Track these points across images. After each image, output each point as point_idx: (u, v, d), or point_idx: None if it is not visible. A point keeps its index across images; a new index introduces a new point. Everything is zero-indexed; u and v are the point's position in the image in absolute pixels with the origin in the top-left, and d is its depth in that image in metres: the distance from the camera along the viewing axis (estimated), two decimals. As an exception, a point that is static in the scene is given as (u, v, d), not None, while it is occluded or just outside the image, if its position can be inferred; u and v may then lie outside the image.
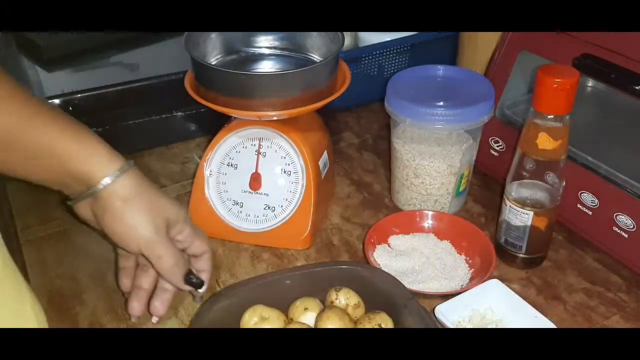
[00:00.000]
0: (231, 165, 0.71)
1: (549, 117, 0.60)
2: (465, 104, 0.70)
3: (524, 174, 0.64)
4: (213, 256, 0.63)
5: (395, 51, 0.96)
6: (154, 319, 0.61)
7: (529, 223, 0.64)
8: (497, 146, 0.78)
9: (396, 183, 0.77)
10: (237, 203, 0.71)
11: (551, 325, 0.58)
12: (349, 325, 0.54)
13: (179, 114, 0.88)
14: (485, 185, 0.82)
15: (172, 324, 0.62)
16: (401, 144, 0.74)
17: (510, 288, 0.62)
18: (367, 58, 0.95)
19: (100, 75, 0.94)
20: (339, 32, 0.69)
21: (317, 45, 0.73)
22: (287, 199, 0.70)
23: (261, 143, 0.70)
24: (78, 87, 0.82)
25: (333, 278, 0.59)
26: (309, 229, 0.70)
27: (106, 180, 0.52)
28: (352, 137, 0.94)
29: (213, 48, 0.73)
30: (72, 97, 0.81)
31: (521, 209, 0.64)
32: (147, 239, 0.54)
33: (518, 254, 0.67)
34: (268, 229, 0.70)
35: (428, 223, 0.73)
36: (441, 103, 0.70)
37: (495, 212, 0.74)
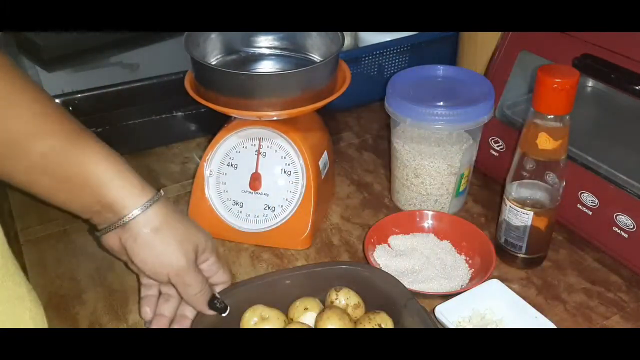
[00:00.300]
0: (231, 165, 0.71)
1: (549, 117, 0.60)
2: (465, 104, 0.70)
3: (524, 174, 0.63)
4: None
5: (395, 51, 0.96)
6: None
7: (529, 223, 0.64)
8: (497, 146, 0.78)
9: (396, 183, 0.77)
10: (237, 203, 0.71)
11: (551, 325, 0.58)
12: (349, 325, 0.54)
13: (179, 114, 0.88)
14: (485, 185, 0.82)
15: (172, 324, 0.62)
16: (401, 144, 0.74)
17: (510, 288, 0.62)
18: (367, 58, 0.95)
19: (100, 75, 0.94)
20: (339, 32, 0.69)
21: (317, 45, 0.73)
22: (287, 199, 0.70)
23: (261, 143, 0.70)
24: (78, 87, 0.82)
25: (333, 278, 0.59)
26: (309, 229, 0.70)
27: (138, 210, 0.53)
28: (352, 137, 0.94)
29: (213, 48, 0.73)
30: (72, 97, 0.81)
31: (521, 209, 0.64)
32: (178, 268, 0.54)
33: (518, 254, 0.67)
34: (268, 229, 0.70)
35: (428, 223, 0.73)
36: (441, 103, 0.70)
37: (495, 212, 0.74)
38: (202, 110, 0.83)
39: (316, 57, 0.74)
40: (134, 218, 0.53)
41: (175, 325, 0.59)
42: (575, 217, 0.69)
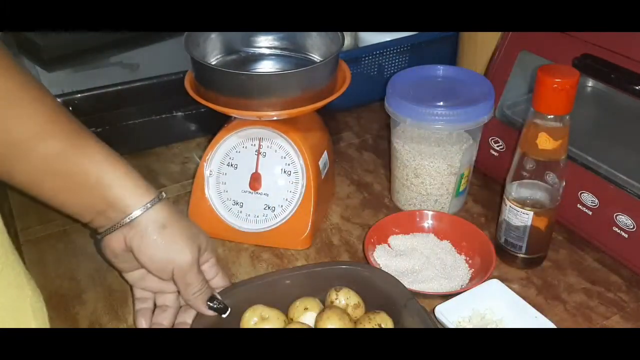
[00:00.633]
0: (231, 165, 0.71)
1: (549, 117, 0.60)
2: (465, 104, 0.70)
3: (524, 174, 0.63)
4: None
5: (395, 51, 0.96)
6: None
7: (529, 223, 0.64)
8: (497, 146, 0.78)
9: (396, 183, 0.77)
10: (237, 203, 0.71)
11: (551, 325, 0.58)
12: (349, 325, 0.54)
13: (179, 114, 0.88)
14: (485, 185, 0.82)
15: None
16: (401, 144, 0.74)
17: (510, 288, 0.62)
18: (367, 58, 0.95)
19: (100, 75, 0.94)
20: (339, 32, 0.69)
21: (317, 45, 0.73)
22: (287, 199, 0.70)
23: (261, 143, 0.70)
24: (78, 87, 0.82)
25: (333, 278, 0.59)
26: (309, 229, 0.70)
27: (144, 208, 0.53)
28: (352, 137, 0.94)
29: (213, 48, 0.73)
30: (72, 97, 0.81)
31: (521, 209, 0.64)
32: (182, 265, 0.54)
33: (518, 254, 0.67)
34: (268, 229, 0.70)
35: (428, 223, 0.73)
36: (441, 103, 0.70)
37: (495, 212, 0.74)
38: (202, 110, 0.83)
39: (316, 57, 0.74)
40: (140, 215, 0.53)
41: None
42: (575, 217, 0.69)
